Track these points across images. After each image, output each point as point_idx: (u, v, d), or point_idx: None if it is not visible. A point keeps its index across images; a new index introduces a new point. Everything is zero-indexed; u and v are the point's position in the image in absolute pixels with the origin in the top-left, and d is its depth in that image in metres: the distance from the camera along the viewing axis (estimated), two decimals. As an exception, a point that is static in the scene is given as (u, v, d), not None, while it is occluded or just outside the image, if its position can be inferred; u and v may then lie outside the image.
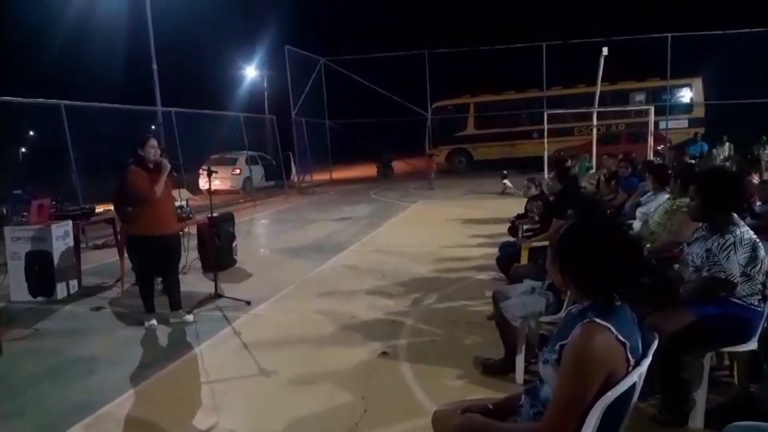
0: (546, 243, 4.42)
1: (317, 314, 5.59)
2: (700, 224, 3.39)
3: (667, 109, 22.72)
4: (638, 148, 15.84)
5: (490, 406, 2.10)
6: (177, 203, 6.43)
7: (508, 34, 25.37)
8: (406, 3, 48.22)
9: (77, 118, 12.10)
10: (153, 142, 5.29)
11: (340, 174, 26.21)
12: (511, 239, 6.92)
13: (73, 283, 6.83)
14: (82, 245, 8.36)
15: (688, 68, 23.04)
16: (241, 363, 4.46)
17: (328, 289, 6.52)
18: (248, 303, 5.97)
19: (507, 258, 5.76)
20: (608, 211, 6.27)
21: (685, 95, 24.17)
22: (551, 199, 6.68)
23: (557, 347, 1.83)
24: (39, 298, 6.47)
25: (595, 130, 17.40)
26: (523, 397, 2.06)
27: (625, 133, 21.93)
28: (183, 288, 5.74)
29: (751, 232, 3.13)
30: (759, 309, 3.08)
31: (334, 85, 25.13)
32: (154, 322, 5.38)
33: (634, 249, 1.89)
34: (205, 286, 6.60)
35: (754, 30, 21.09)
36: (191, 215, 7.62)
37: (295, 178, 22.73)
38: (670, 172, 6.04)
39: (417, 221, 12.32)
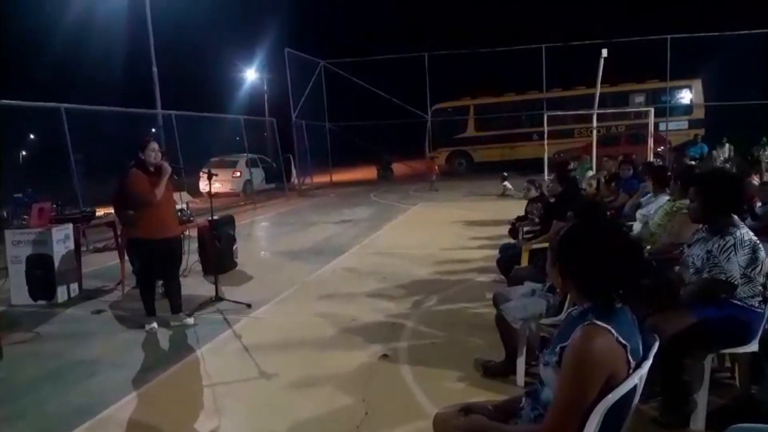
0: (546, 245, 4.42)
1: (318, 317, 5.59)
2: (701, 226, 3.39)
3: (667, 110, 22.73)
4: (638, 150, 15.85)
5: (490, 407, 2.11)
6: (177, 206, 6.43)
7: (508, 36, 25.45)
8: (405, 5, 48.31)
9: (78, 121, 12.11)
10: (154, 145, 5.29)
11: (340, 176, 26.22)
12: (512, 241, 6.92)
13: (74, 286, 6.83)
14: (83, 248, 8.36)
15: (687, 70, 23.08)
16: (241, 366, 4.46)
17: (328, 292, 6.52)
18: (249, 306, 5.97)
19: (507, 260, 5.76)
20: (608, 213, 6.26)
21: (685, 97, 24.19)
22: (551, 200, 6.68)
23: (557, 349, 1.83)
24: (40, 302, 6.46)
25: (595, 132, 17.42)
26: (523, 399, 2.06)
27: (625, 134, 21.95)
28: (183, 291, 5.74)
29: (752, 234, 3.13)
30: (760, 310, 3.08)
31: (334, 87, 25.17)
32: (154, 325, 5.38)
33: (634, 250, 1.89)
34: (206, 289, 6.60)
35: (753, 31, 21.11)
36: (191, 218, 7.62)
37: (296, 181, 22.74)
38: (669, 173, 6.04)
39: (417, 223, 12.33)
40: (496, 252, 6.48)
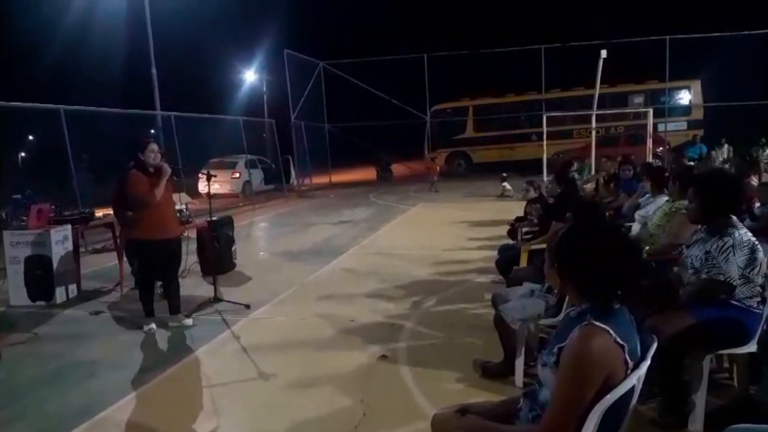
0: (545, 246, 4.43)
1: (317, 317, 5.59)
2: (699, 226, 3.39)
3: (665, 111, 22.75)
4: (637, 151, 15.87)
5: (489, 408, 2.11)
6: (176, 207, 6.43)
7: (507, 37, 25.46)
8: (405, 6, 48.33)
9: (77, 123, 12.11)
10: (153, 146, 5.29)
11: (339, 177, 26.23)
12: (511, 242, 6.93)
13: (73, 287, 6.82)
14: (82, 249, 8.36)
15: (686, 70, 23.11)
16: (240, 367, 4.46)
17: (327, 293, 6.52)
18: (247, 306, 5.97)
19: (506, 261, 5.76)
20: (607, 214, 6.27)
21: (684, 97, 24.22)
22: (550, 201, 6.70)
23: (555, 350, 1.83)
24: (38, 303, 6.46)
25: (594, 133, 17.43)
26: (521, 400, 2.06)
27: (624, 135, 21.97)
28: (182, 292, 5.74)
29: (750, 234, 3.14)
30: (758, 311, 3.09)
31: (334, 88, 25.18)
32: (153, 326, 5.38)
33: (633, 251, 1.89)
34: (205, 289, 6.60)
35: (752, 32, 21.14)
36: (190, 219, 7.62)
37: (295, 182, 22.73)
38: (667, 174, 6.05)
39: (416, 224, 12.33)
40: (495, 253, 6.48)
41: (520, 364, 3.79)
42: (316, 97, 24.15)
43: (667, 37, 21.67)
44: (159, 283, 5.82)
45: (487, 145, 25.78)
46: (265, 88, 32.85)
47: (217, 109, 27.54)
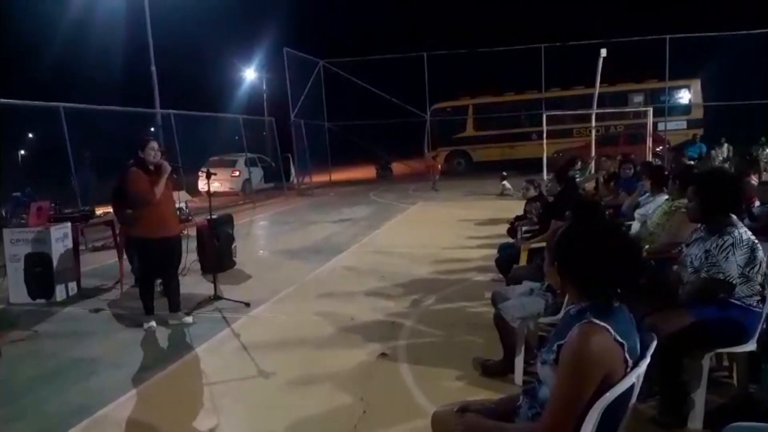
0: (545, 244, 4.43)
1: (316, 316, 5.59)
2: (699, 225, 3.39)
3: (665, 110, 22.71)
4: (637, 150, 15.86)
5: (489, 406, 2.11)
6: (176, 205, 6.43)
7: (507, 35, 25.40)
8: (405, 5, 48.30)
9: (76, 121, 12.10)
10: (153, 144, 5.29)
11: (339, 176, 26.21)
12: (510, 240, 6.93)
13: (72, 285, 6.83)
14: (81, 247, 8.36)
15: (686, 70, 23.06)
16: (240, 365, 4.46)
17: (327, 291, 6.53)
18: (247, 305, 5.97)
19: (506, 259, 5.77)
20: (607, 212, 6.27)
21: (684, 97, 24.19)
22: (550, 200, 6.70)
23: (555, 347, 1.83)
24: (38, 300, 6.46)
25: (593, 132, 17.42)
26: (521, 398, 2.07)
27: (624, 134, 21.94)
28: (182, 290, 5.74)
29: (750, 233, 3.14)
30: (758, 310, 3.09)
31: (333, 87, 25.11)
32: (153, 324, 5.38)
33: (633, 249, 1.89)
34: (205, 287, 6.60)
35: (752, 32, 21.10)
36: (190, 217, 7.62)
37: (295, 180, 22.72)
38: (667, 173, 6.05)
39: (416, 223, 12.33)
40: (494, 251, 6.48)
41: (519, 362, 3.80)
42: (316, 95, 24.11)
43: (667, 36, 21.63)
44: (159, 281, 5.82)
45: (487, 143, 25.75)
46: (264, 87, 32.82)
47: (217, 107, 27.56)
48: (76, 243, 7.08)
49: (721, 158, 16.77)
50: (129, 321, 5.68)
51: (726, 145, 17.85)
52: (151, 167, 5.23)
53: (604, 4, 38.83)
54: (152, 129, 16.14)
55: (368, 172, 27.62)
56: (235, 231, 8.47)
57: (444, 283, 6.61)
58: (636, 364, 1.79)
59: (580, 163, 11.93)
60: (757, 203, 5.55)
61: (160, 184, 5.19)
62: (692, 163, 13.25)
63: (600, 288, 1.82)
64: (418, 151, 25.98)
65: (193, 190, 16.13)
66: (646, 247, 4.56)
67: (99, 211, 8.21)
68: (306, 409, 3.64)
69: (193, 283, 6.97)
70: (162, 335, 5.28)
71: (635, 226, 5.65)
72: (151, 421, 3.65)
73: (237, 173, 20.58)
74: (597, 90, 16.43)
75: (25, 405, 3.91)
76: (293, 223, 13.06)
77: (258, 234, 12.42)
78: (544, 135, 18.44)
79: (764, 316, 3.10)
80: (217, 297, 6.17)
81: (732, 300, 3.08)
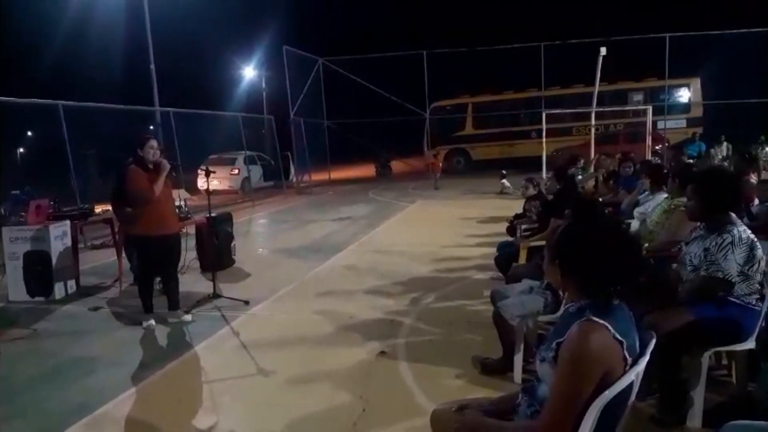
0: (544, 242, 4.43)
1: (316, 314, 5.59)
2: (698, 224, 3.39)
3: (665, 108, 22.71)
4: (636, 148, 15.86)
5: (487, 405, 2.11)
6: (176, 203, 6.42)
7: (507, 34, 25.36)
8: (404, 3, 48.24)
9: (76, 119, 12.09)
10: (153, 142, 5.29)
11: (338, 174, 26.20)
12: (510, 239, 6.92)
13: (71, 283, 6.82)
14: (80, 245, 8.36)
15: (686, 68, 23.04)
16: (239, 363, 4.46)
17: (326, 289, 6.53)
18: (246, 303, 5.97)
19: (505, 257, 5.77)
20: (607, 211, 6.27)
21: (684, 95, 24.18)
22: (549, 198, 6.70)
23: (554, 345, 1.83)
24: (37, 299, 6.46)
25: (593, 130, 17.41)
26: (520, 395, 2.07)
27: (624, 132, 21.96)
28: (181, 288, 5.74)
29: (749, 232, 3.14)
30: (757, 308, 3.09)
31: (333, 85, 25.07)
32: (152, 322, 5.38)
33: (633, 247, 1.89)
34: (204, 286, 6.60)
35: (752, 30, 21.08)
36: (189, 215, 7.62)
37: (294, 178, 22.71)
38: (666, 171, 6.05)
39: (415, 221, 12.33)
40: (494, 250, 6.48)
41: (518, 360, 3.80)
42: (315, 93, 24.07)
43: (667, 34, 21.61)
44: (158, 279, 5.82)
45: (486, 142, 25.73)
46: (264, 85, 32.81)
47: (216, 105, 27.55)
48: (75, 241, 7.08)
49: (720, 157, 16.76)
50: (128, 319, 5.68)
51: (725, 143, 17.83)
52: (150, 165, 5.23)
53: (603, 2, 38.80)
54: (151, 127, 16.15)
55: (367, 170, 27.63)
56: (235, 229, 8.47)
57: (443, 281, 6.61)
58: (635, 362, 1.79)
59: (582, 161, 11.92)
60: (756, 202, 5.55)
61: (158, 182, 5.20)
62: (692, 161, 13.26)
63: (600, 285, 1.81)
64: (417, 150, 25.96)
65: (193, 189, 16.12)
66: (646, 245, 4.56)
67: (101, 208, 8.20)
68: (305, 407, 3.64)
69: (192, 281, 6.97)
70: (161, 333, 5.28)
71: (634, 224, 5.66)
72: (151, 420, 3.65)
73: (236, 171, 20.56)
74: (597, 88, 16.40)
75: (25, 403, 3.90)
76: (292, 222, 13.06)
77: (257, 232, 12.42)
78: (544, 133, 18.44)
79: (763, 314, 3.10)
80: (216, 295, 6.16)
81: (731, 298, 3.08)
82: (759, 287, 3.10)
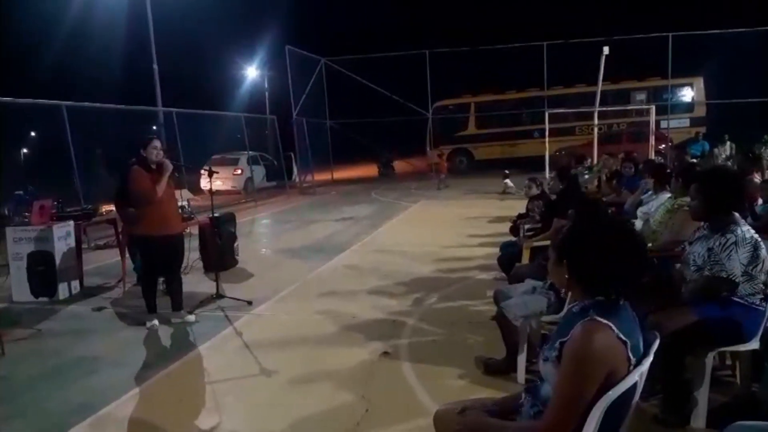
0: (547, 242, 4.42)
1: (318, 314, 5.60)
2: (702, 223, 3.38)
3: (668, 108, 22.69)
4: (639, 148, 15.83)
5: (491, 405, 2.10)
6: (179, 203, 6.43)
7: (509, 33, 25.34)
8: (406, 3, 48.21)
9: (79, 119, 12.11)
10: (156, 143, 5.31)
11: (341, 174, 26.22)
12: (513, 239, 6.92)
13: (75, 283, 6.83)
14: (84, 245, 8.35)
15: (689, 67, 22.99)
16: (242, 363, 4.46)
17: (329, 289, 6.53)
18: (249, 303, 5.97)
19: (508, 257, 5.76)
20: (610, 211, 6.26)
21: (687, 94, 24.13)
22: (552, 198, 6.69)
23: (557, 344, 1.82)
24: (41, 299, 6.47)
25: (596, 130, 17.39)
26: (523, 395, 2.06)
27: (626, 132, 21.92)
28: (184, 288, 5.75)
29: (753, 231, 3.13)
30: (761, 308, 3.08)
31: (335, 84, 25.11)
32: (155, 322, 5.38)
33: (640, 246, 1.88)
34: (207, 286, 6.60)
35: (755, 29, 21.05)
36: (193, 215, 7.63)
37: (297, 179, 22.73)
38: (670, 171, 6.03)
39: (418, 221, 12.33)
40: (497, 250, 6.48)
41: (522, 360, 3.79)
42: (318, 93, 24.09)
43: (670, 34, 21.59)
44: (161, 280, 5.83)
45: (489, 142, 25.71)
46: (266, 85, 32.79)
47: (219, 105, 27.56)
48: (78, 241, 7.09)
49: (723, 156, 16.68)
50: (131, 319, 5.69)
51: (729, 143, 17.77)
52: (153, 166, 5.24)
53: (606, 1, 38.72)
54: (154, 127, 16.16)
55: (370, 170, 27.62)
56: (238, 229, 8.47)
57: (446, 281, 6.60)
58: (639, 363, 1.79)
59: (589, 161, 11.90)
60: (760, 201, 5.53)
61: (161, 183, 5.20)
62: (695, 161, 13.22)
63: (608, 285, 1.80)
64: (420, 149, 25.95)
65: (196, 189, 16.14)
66: (649, 245, 4.55)
67: (107, 208, 8.21)
68: (308, 407, 3.64)
69: (195, 281, 6.98)
70: (164, 334, 5.28)
71: (638, 224, 5.64)
72: (153, 420, 3.66)
73: (239, 171, 20.57)
74: (599, 88, 16.38)
75: (27, 403, 3.91)
76: (295, 222, 13.07)
77: (260, 232, 12.43)
78: (547, 133, 18.42)
79: (767, 314, 3.09)
80: (219, 295, 6.17)
81: (735, 298, 3.07)
82: (763, 287, 3.10)
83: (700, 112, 23.49)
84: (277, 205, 17.13)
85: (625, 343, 1.74)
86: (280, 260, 8.56)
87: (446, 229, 10.51)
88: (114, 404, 3.80)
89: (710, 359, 3.10)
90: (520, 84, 25.97)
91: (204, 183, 16.80)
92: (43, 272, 6.48)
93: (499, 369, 3.93)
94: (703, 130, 20.97)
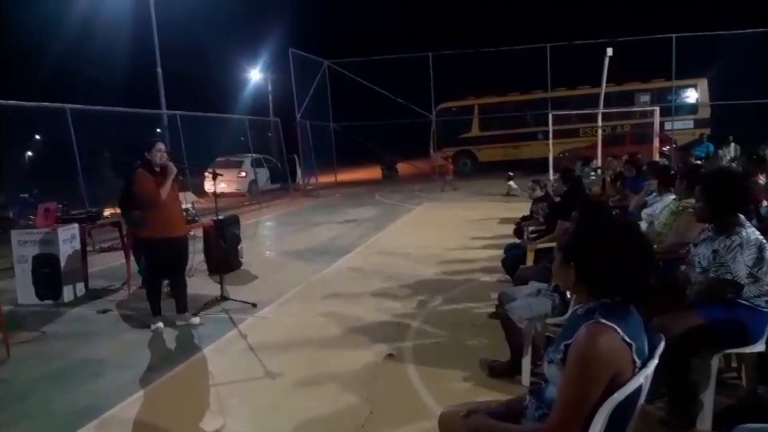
0: (552, 244, 4.41)
1: (323, 316, 5.60)
2: (707, 225, 3.37)
3: (672, 109, 22.64)
4: (643, 149, 15.79)
5: (495, 407, 2.10)
6: (183, 206, 6.45)
7: (513, 35, 25.32)
8: (409, 5, 48.27)
9: (83, 122, 12.15)
10: (160, 146, 5.32)
11: (344, 176, 26.25)
12: (517, 241, 6.91)
13: (80, 286, 6.85)
14: (89, 248, 8.39)
15: (693, 69, 22.96)
16: (247, 365, 4.47)
17: (333, 292, 6.53)
18: (254, 305, 5.98)
19: (512, 260, 5.76)
20: (614, 212, 6.25)
21: (691, 96, 24.09)
22: (556, 200, 6.68)
23: (562, 347, 1.81)
24: (46, 301, 6.49)
25: (600, 131, 17.37)
26: (528, 398, 2.06)
27: (630, 134, 21.88)
28: (189, 290, 5.76)
29: (758, 233, 3.12)
30: (766, 310, 3.06)
31: (339, 87, 25.14)
32: (160, 324, 5.40)
33: (647, 247, 1.87)
34: (211, 288, 6.62)
35: (759, 30, 20.99)
36: (197, 218, 7.64)
37: (300, 181, 22.76)
38: (674, 173, 6.01)
39: (422, 223, 12.33)
40: (501, 252, 6.48)
41: (526, 363, 3.78)
42: (322, 96, 24.12)
43: (674, 35, 21.54)
44: (166, 282, 5.85)
45: (492, 143, 25.71)
46: (270, 87, 32.84)
47: (223, 108, 27.56)
48: (83, 244, 7.12)
49: (728, 158, 16.65)
50: (136, 322, 5.70)
51: (733, 144, 17.73)
52: (158, 169, 5.26)
53: (610, 3, 38.70)
54: (158, 130, 16.19)
55: (374, 172, 27.65)
56: (242, 232, 8.48)
57: (450, 283, 6.60)
58: (644, 365, 1.78)
59: (595, 162, 11.89)
60: (765, 203, 5.51)
61: (165, 186, 5.22)
62: (699, 162, 13.18)
63: (613, 287, 1.80)
64: (423, 152, 25.96)
65: (200, 191, 16.18)
66: (654, 247, 4.54)
67: (111, 211, 8.23)
68: (312, 409, 3.64)
69: (199, 283, 6.99)
70: (169, 336, 5.29)
71: (642, 226, 5.62)
72: (158, 422, 3.66)
73: (243, 174, 20.61)
74: (603, 89, 16.38)
75: (32, 405, 3.92)
76: (299, 224, 13.08)
77: (264, 235, 12.44)
78: (550, 135, 18.40)
79: (773, 316, 3.08)
80: (223, 298, 6.18)
81: (740, 300, 3.06)
82: (768, 289, 3.08)
83: (705, 113, 23.44)
84: (281, 208, 17.16)
85: (630, 345, 1.73)
86: (284, 262, 8.57)
87: (450, 231, 10.51)
88: (119, 406, 3.80)
89: (716, 361, 3.09)
90: (524, 86, 25.96)
91: (208, 185, 16.83)
92: (48, 275, 6.50)
93: (503, 371, 3.92)
94: (707, 131, 20.88)
